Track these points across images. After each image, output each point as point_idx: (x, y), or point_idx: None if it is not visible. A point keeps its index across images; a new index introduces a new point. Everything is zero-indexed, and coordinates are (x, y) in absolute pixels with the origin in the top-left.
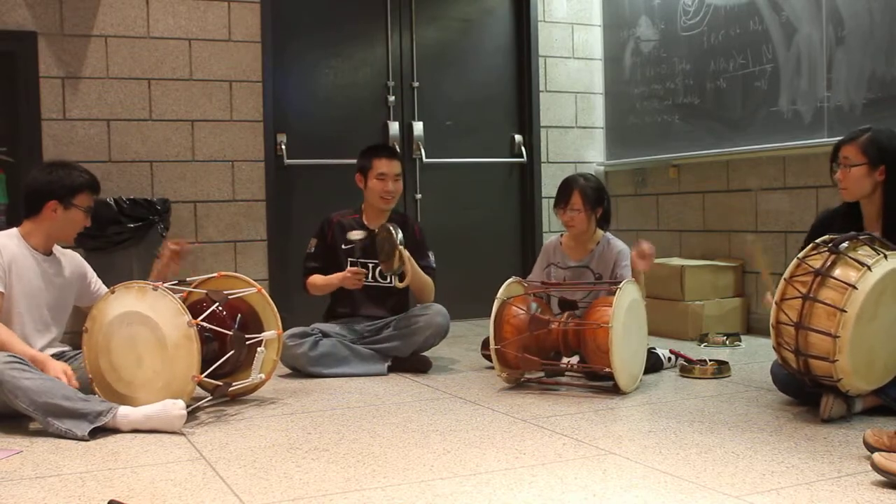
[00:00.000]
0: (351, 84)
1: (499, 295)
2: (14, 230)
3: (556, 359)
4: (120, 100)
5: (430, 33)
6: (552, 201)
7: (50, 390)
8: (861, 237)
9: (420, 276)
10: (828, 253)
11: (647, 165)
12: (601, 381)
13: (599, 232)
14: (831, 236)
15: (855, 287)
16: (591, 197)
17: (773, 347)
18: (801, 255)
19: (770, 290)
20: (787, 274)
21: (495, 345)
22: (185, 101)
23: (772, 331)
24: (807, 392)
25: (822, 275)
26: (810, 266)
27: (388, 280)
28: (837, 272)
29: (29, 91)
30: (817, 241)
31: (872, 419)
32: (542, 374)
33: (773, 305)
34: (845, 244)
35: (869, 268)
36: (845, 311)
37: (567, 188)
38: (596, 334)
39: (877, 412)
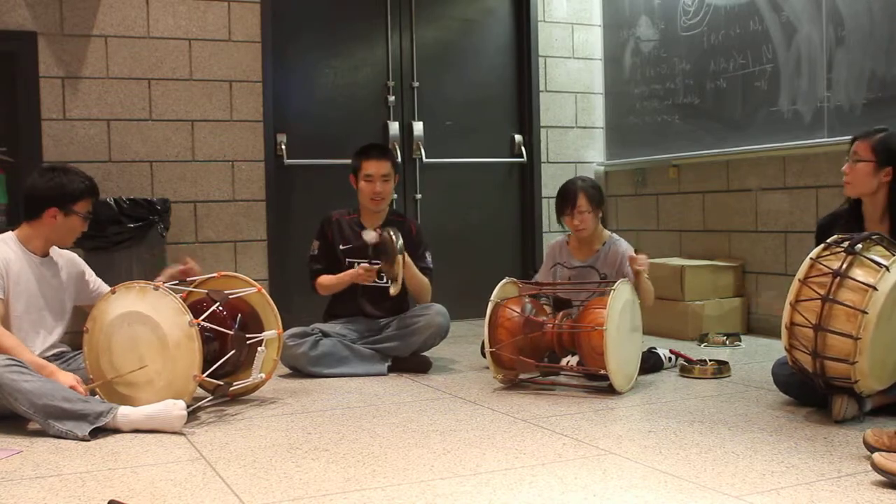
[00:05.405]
0: (351, 84)
1: (492, 297)
2: (10, 234)
3: (552, 359)
4: (120, 100)
5: (430, 33)
6: (552, 202)
7: (50, 392)
8: (873, 237)
9: (417, 278)
10: (843, 253)
11: (647, 165)
12: (598, 381)
13: (606, 232)
14: (841, 236)
15: (875, 288)
16: (594, 197)
17: (785, 348)
18: (813, 255)
19: None
20: (800, 275)
21: (490, 347)
22: (185, 101)
23: (784, 332)
24: (808, 394)
25: (842, 276)
26: (826, 267)
27: (386, 281)
28: (856, 273)
29: (29, 91)
30: (828, 241)
31: (873, 419)
32: (538, 373)
33: (788, 306)
34: (860, 245)
35: (887, 268)
36: (867, 313)
37: (570, 193)
38: (590, 336)
39: (882, 412)
